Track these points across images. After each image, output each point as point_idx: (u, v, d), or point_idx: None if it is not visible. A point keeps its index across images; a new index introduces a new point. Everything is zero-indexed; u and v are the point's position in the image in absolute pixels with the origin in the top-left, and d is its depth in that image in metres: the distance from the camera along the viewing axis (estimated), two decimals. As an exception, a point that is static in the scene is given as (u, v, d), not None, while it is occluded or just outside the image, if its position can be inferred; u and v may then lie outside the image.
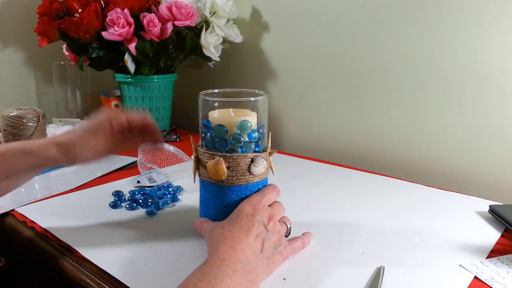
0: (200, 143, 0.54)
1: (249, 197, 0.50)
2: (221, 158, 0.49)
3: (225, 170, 0.49)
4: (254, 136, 0.51)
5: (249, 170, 0.51)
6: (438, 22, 0.80)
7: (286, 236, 0.51)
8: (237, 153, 0.50)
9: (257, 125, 0.52)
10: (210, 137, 0.51)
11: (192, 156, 0.54)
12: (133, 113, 0.60)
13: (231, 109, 0.52)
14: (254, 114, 0.51)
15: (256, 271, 0.43)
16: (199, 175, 0.53)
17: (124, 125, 0.57)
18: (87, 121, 0.57)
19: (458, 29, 0.78)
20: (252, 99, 0.52)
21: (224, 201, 0.51)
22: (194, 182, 0.54)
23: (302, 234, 0.54)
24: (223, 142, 0.50)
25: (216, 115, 0.51)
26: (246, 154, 0.50)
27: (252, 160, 0.50)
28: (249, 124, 0.50)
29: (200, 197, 0.55)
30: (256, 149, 0.52)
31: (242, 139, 0.50)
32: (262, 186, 0.53)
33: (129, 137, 0.59)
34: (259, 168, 0.51)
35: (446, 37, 0.80)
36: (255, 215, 0.47)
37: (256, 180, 0.52)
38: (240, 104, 0.52)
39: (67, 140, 0.54)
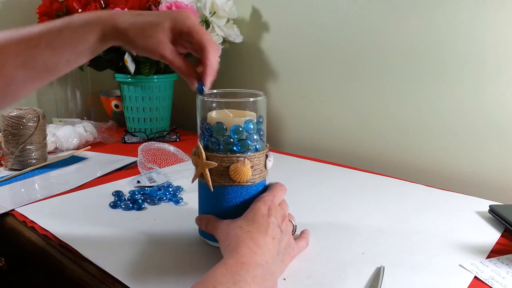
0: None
1: (262, 196, 0.50)
2: (246, 159, 0.49)
3: (250, 170, 0.49)
4: (261, 133, 0.52)
5: (265, 166, 0.52)
6: (438, 20, 0.80)
7: (292, 234, 0.51)
8: (252, 151, 0.50)
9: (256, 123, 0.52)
10: (226, 140, 0.49)
11: (199, 168, 0.50)
12: (196, 26, 0.49)
13: (226, 109, 0.51)
14: (253, 115, 0.51)
15: (274, 276, 0.42)
16: (213, 182, 0.50)
17: (182, 33, 0.49)
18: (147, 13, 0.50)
19: (458, 29, 0.78)
20: (251, 99, 0.52)
21: (240, 201, 0.50)
22: (213, 190, 0.50)
23: (301, 233, 0.55)
24: (244, 142, 0.49)
25: (214, 116, 0.51)
26: (262, 151, 0.51)
27: (267, 156, 0.52)
28: (251, 126, 0.50)
29: (204, 204, 0.53)
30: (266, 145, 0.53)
31: (255, 137, 0.50)
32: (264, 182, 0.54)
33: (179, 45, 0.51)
34: (271, 162, 0.52)
35: (446, 37, 0.80)
36: (270, 215, 0.47)
37: (266, 176, 0.53)
38: (239, 104, 0.52)
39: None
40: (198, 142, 0.51)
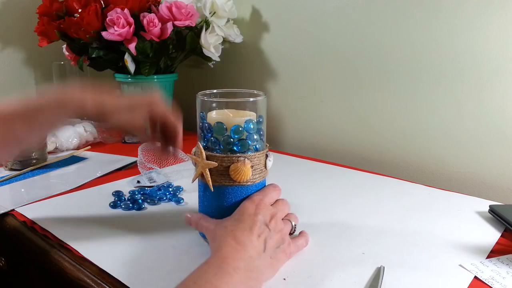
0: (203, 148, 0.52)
1: (251, 196, 0.50)
2: (246, 159, 0.49)
3: (251, 170, 0.49)
4: (261, 133, 0.52)
5: (265, 166, 0.52)
6: (438, 22, 0.80)
7: (291, 234, 0.51)
8: (252, 151, 0.50)
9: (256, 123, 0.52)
10: (226, 139, 0.49)
11: (199, 167, 0.50)
12: (168, 112, 0.55)
13: (226, 109, 0.51)
14: (253, 115, 0.51)
15: (259, 270, 0.43)
16: (214, 182, 0.50)
17: (159, 119, 0.55)
18: (126, 97, 0.55)
19: (458, 29, 0.78)
20: (251, 99, 0.52)
21: (240, 201, 0.50)
22: (213, 190, 0.50)
23: (300, 233, 0.54)
24: (244, 142, 0.50)
25: (214, 115, 0.51)
26: (262, 151, 0.51)
27: (267, 156, 0.52)
28: (251, 126, 0.50)
29: (204, 204, 0.53)
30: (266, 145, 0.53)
31: (255, 136, 0.50)
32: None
33: (152, 131, 0.56)
34: (271, 162, 0.53)
35: (447, 37, 0.80)
36: (257, 214, 0.47)
37: (266, 176, 0.53)
38: (239, 104, 0.52)
39: (102, 101, 0.53)
40: (198, 142, 0.51)
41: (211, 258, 0.42)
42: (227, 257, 0.41)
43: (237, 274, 0.39)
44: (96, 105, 0.52)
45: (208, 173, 0.49)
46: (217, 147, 0.50)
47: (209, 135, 0.50)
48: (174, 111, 0.55)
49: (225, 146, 0.49)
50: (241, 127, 0.49)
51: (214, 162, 0.49)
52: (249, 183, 0.50)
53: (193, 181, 0.53)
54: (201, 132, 0.52)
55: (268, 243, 0.46)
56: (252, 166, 0.50)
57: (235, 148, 0.49)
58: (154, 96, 0.55)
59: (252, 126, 0.50)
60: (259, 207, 0.48)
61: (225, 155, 0.49)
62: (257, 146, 0.51)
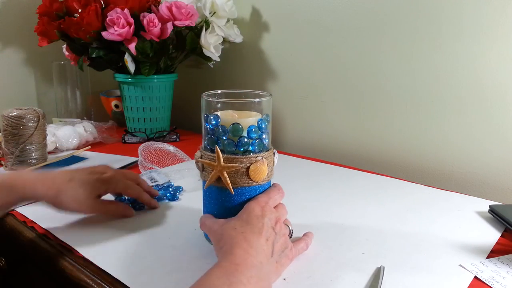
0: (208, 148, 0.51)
1: (256, 198, 0.49)
2: (263, 158, 0.49)
3: (267, 168, 0.50)
4: (268, 131, 0.52)
5: (273, 163, 0.53)
6: (438, 23, 0.80)
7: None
8: (264, 150, 0.51)
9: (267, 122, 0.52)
10: (242, 140, 0.49)
11: (215, 172, 0.49)
12: (129, 184, 0.62)
13: (230, 110, 0.51)
14: (259, 115, 0.51)
15: (268, 277, 0.43)
16: (232, 185, 0.49)
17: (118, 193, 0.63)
18: (83, 169, 0.60)
19: (458, 30, 0.78)
20: (257, 100, 0.51)
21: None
22: (233, 193, 0.50)
23: (303, 235, 0.54)
24: (260, 142, 0.50)
25: (222, 116, 0.51)
26: (271, 148, 0.52)
27: (274, 154, 0.53)
28: (263, 126, 0.51)
29: (219, 209, 0.51)
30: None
31: (265, 136, 0.51)
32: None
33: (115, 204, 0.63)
34: (277, 158, 0.53)
35: (447, 37, 0.80)
36: (264, 217, 0.46)
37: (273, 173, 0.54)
38: (245, 105, 0.51)
39: (56, 185, 0.56)
40: (206, 146, 0.51)
41: (224, 261, 0.41)
42: (239, 264, 0.40)
43: (250, 284, 0.39)
44: (46, 188, 0.55)
45: (227, 176, 0.49)
46: (233, 149, 0.49)
47: (224, 137, 0.49)
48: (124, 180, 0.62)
49: (242, 147, 0.49)
50: (257, 127, 0.49)
51: (234, 165, 0.48)
52: (264, 181, 0.51)
53: (207, 186, 0.51)
54: (211, 134, 0.50)
55: (275, 247, 0.45)
56: (267, 165, 0.50)
57: (251, 148, 0.49)
58: (105, 170, 0.61)
59: (264, 126, 0.50)
60: (264, 209, 0.47)
61: (244, 156, 0.48)
62: (268, 144, 0.52)
